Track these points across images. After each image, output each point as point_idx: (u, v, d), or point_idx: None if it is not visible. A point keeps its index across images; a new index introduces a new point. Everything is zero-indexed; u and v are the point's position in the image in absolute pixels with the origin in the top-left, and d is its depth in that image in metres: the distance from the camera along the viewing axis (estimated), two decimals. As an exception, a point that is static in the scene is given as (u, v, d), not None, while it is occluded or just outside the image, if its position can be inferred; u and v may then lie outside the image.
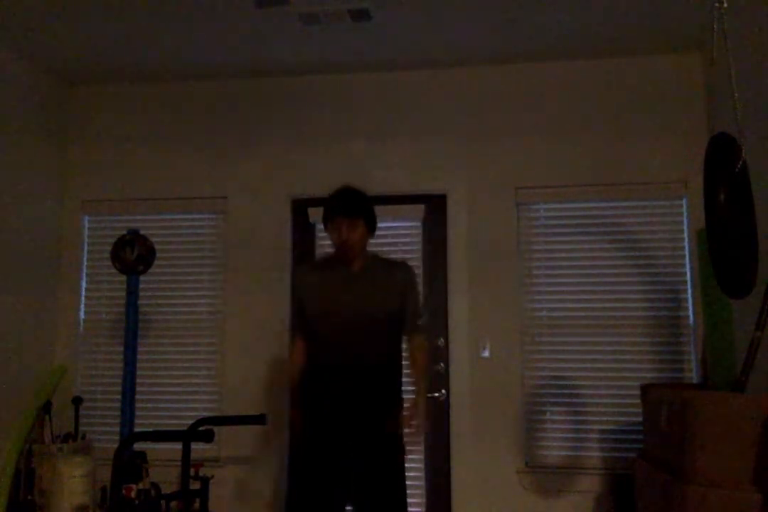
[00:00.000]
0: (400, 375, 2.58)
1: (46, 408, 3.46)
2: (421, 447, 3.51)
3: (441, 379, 3.55)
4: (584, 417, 3.42)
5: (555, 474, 3.39)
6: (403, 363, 2.61)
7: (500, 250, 3.56)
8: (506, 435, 3.43)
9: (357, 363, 2.47)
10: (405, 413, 2.52)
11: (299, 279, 2.65)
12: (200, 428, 3.02)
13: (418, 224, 3.67)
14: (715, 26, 2.09)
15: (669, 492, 2.22)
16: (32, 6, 3.07)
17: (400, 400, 2.56)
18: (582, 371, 3.46)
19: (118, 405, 3.26)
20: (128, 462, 3.01)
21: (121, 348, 3.29)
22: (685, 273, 3.45)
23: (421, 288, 3.59)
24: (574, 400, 3.44)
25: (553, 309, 3.53)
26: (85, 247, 3.89)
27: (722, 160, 2.12)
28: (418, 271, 3.61)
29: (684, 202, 3.49)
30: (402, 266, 2.64)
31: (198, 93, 3.90)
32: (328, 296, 2.53)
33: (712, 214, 2.16)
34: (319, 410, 2.50)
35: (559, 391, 3.47)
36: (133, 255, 3.20)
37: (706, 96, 3.49)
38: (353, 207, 2.51)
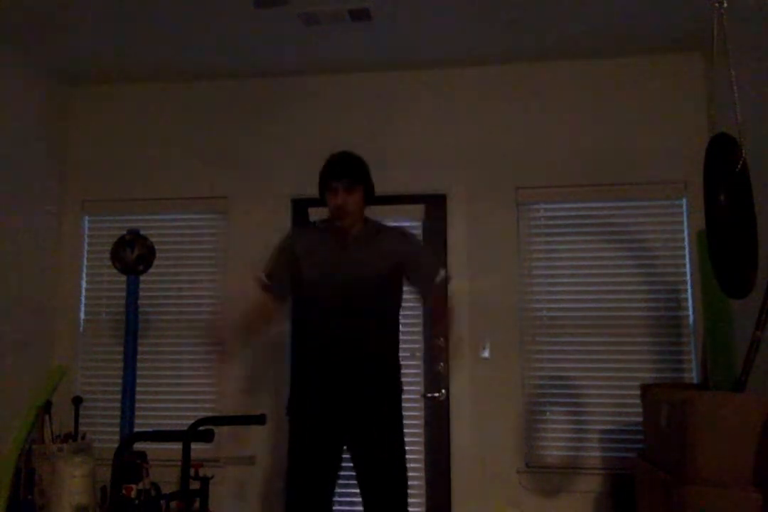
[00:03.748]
0: (396, 345, 2.53)
1: (46, 408, 3.45)
2: (421, 448, 3.51)
3: (441, 379, 3.55)
4: (584, 417, 3.42)
5: (555, 474, 3.39)
6: (399, 347, 2.58)
7: (500, 250, 3.56)
8: (506, 435, 3.43)
9: (350, 333, 2.41)
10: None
11: (292, 241, 2.57)
12: (200, 428, 3.02)
13: (418, 224, 3.66)
14: (715, 26, 2.09)
15: (669, 492, 2.22)
16: (32, 6, 3.07)
17: (398, 373, 2.52)
18: (582, 371, 3.46)
19: (118, 405, 3.25)
20: (128, 462, 3.01)
21: (121, 348, 3.28)
22: (685, 273, 3.45)
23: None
24: (574, 400, 3.44)
25: (553, 309, 3.53)
26: (85, 247, 3.89)
27: (722, 160, 2.12)
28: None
29: (684, 202, 3.49)
30: (399, 234, 2.58)
31: (198, 93, 3.90)
32: (321, 264, 2.46)
33: (712, 214, 2.16)
34: (310, 388, 2.45)
35: (559, 391, 3.47)
36: (133, 255, 3.19)
37: (706, 96, 3.49)
38: (350, 172, 2.45)
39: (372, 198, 2.55)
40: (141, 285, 3.32)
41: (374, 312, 2.45)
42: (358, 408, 2.41)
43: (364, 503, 2.41)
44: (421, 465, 3.50)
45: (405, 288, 2.61)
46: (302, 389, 2.48)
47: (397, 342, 2.53)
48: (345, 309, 2.42)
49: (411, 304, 3.56)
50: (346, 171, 2.44)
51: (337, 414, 2.41)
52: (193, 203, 3.83)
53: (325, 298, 2.45)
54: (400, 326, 2.60)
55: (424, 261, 2.58)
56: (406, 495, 2.41)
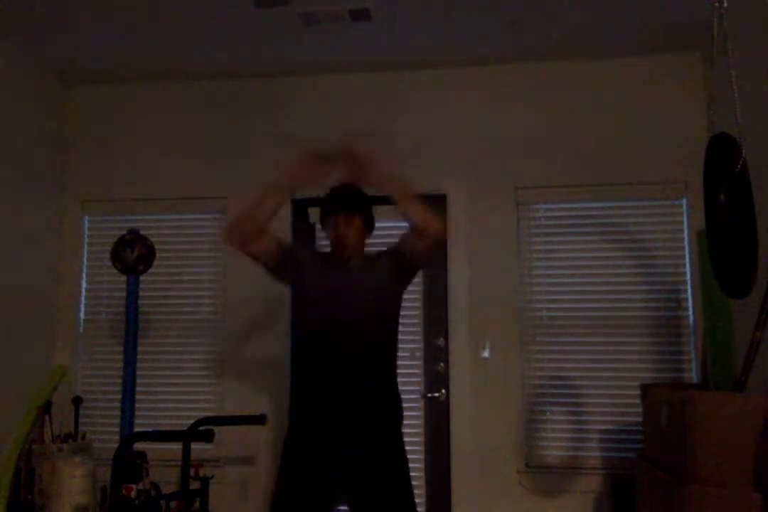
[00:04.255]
0: (394, 375, 2.50)
1: (46, 408, 3.45)
2: (421, 448, 3.51)
3: (441, 379, 3.56)
4: (584, 417, 3.42)
5: (555, 474, 3.39)
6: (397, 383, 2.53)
7: (500, 250, 3.56)
8: (506, 435, 3.43)
9: (348, 368, 2.37)
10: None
11: (300, 248, 2.57)
12: (200, 428, 3.02)
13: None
14: (715, 26, 2.09)
15: (669, 492, 2.22)
16: (32, 6, 3.06)
17: (398, 403, 2.50)
18: (582, 371, 3.46)
19: (118, 405, 3.25)
20: (128, 462, 3.01)
21: (121, 348, 3.28)
22: (685, 273, 3.45)
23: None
24: (574, 400, 3.44)
25: (553, 309, 3.53)
26: (85, 247, 3.89)
27: (722, 160, 2.12)
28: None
29: (684, 202, 3.49)
30: (385, 252, 2.52)
31: (198, 93, 3.90)
32: (320, 296, 2.43)
33: (712, 214, 2.15)
34: (308, 416, 2.42)
35: (559, 391, 3.47)
36: (133, 255, 3.20)
37: (706, 96, 3.49)
38: (351, 203, 2.45)
39: (372, 229, 2.54)
40: (141, 285, 3.32)
41: (373, 345, 2.42)
42: (360, 455, 2.36)
43: None
44: (421, 465, 3.50)
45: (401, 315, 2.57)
46: (300, 430, 2.44)
47: (395, 372, 2.50)
48: (343, 342, 2.39)
49: (411, 305, 3.57)
50: (347, 202, 2.45)
51: (335, 462, 2.35)
52: (193, 203, 3.83)
53: (322, 331, 2.41)
54: (398, 347, 2.56)
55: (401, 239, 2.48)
56: None
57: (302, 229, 3.76)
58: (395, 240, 2.51)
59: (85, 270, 3.87)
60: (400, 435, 2.44)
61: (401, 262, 2.46)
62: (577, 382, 3.45)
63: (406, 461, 2.39)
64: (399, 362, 2.54)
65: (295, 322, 2.59)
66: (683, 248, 3.47)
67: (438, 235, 2.38)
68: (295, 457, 2.38)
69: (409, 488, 2.35)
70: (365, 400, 2.39)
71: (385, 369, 2.47)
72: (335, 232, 2.44)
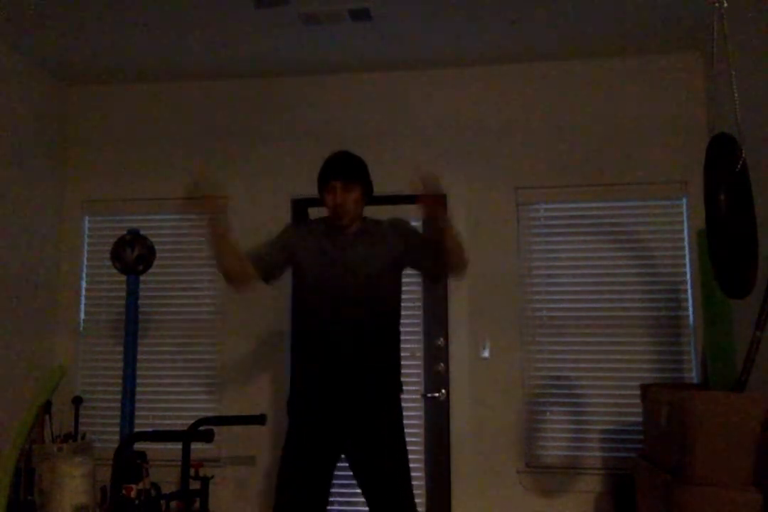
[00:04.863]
0: (397, 346, 2.50)
1: (46, 408, 3.45)
2: (421, 448, 3.52)
3: (441, 379, 3.56)
4: (584, 417, 3.42)
5: (555, 474, 3.39)
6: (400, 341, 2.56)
7: (500, 250, 3.56)
8: (506, 435, 3.43)
9: (350, 333, 2.38)
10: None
11: (290, 232, 2.54)
12: (200, 428, 3.02)
13: (418, 224, 3.66)
14: (715, 26, 2.09)
15: (669, 492, 2.22)
16: (32, 6, 3.07)
17: (398, 374, 2.50)
18: (582, 371, 3.46)
19: (118, 405, 3.26)
20: (128, 462, 3.01)
21: (121, 348, 3.29)
22: (685, 273, 3.45)
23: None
24: (574, 400, 3.44)
25: (553, 309, 3.53)
26: (85, 247, 3.89)
27: (722, 160, 2.12)
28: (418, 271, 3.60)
29: (684, 202, 3.49)
30: (392, 222, 2.55)
31: (198, 93, 3.90)
32: (320, 262, 2.43)
33: (712, 214, 2.16)
34: (309, 388, 2.42)
35: (559, 391, 3.47)
36: (133, 255, 3.20)
37: (706, 96, 3.49)
38: (349, 170, 2.43)
39: (371, 197, 2.54)
40: (141, 285, 3.32)
41: (375, 308, 2.43)
42: (359, 411, 2.40)
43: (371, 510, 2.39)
44: (421, 465, 3.50)
45: (404, 281, 2.59)
46: (302, 388, 2.47)
47: (397, 339, 2.52)
48: (345, 307, 2.40)
49: (411, 305, 3.57)
50: (344, 169, 2.43)
51: (337, 416, 2.40)
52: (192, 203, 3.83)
53: (324, 296, 2.43)
54: (401, 325, 2.59)
55: (418, 240, 2.51)
56: (412, 499, 2.39)
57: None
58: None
59: (85, 270, 3.87)
60: (398, 397, 2.48)
61: (404, 261, 2.49)
62: (577, 382, 3.45)
63: (401, 416, 2.45)
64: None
65: (296, 291, 2.57)
66: (683, 248, 3.47)
67: (461, 273, 2.48)
68: (301, 411, 2.42)
69: (402, 439, 2.42)
70: (367, 363, 2.40)
71: (388, 332, 2.47)
72: (333, 199, 2.42)
